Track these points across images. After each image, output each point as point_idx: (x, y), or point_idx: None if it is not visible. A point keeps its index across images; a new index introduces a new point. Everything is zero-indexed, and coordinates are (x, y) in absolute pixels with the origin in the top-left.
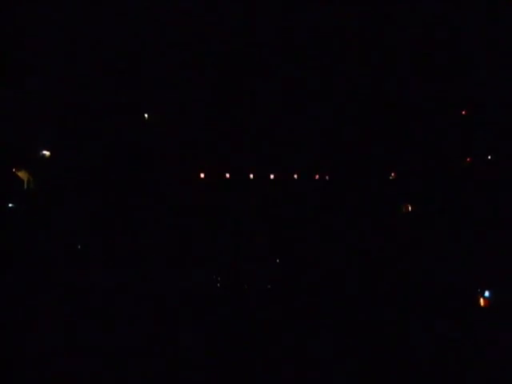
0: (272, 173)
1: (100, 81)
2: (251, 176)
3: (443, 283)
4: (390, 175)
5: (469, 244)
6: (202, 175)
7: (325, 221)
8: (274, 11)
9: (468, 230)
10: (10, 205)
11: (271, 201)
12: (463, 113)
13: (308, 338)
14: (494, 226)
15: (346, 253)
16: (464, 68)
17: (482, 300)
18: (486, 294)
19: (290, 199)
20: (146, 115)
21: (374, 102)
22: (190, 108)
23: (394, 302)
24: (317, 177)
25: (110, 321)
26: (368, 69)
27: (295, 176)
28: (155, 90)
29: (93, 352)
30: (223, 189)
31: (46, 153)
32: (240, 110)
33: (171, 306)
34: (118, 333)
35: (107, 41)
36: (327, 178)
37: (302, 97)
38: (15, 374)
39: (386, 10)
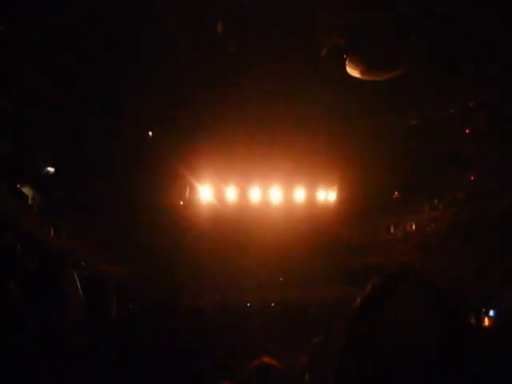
0: (273, 187)
1: (106, 98)
2: (252, 194)
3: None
4: (394, 194)
5: (473, 259)
6: (206, 192)
7: (327, 238)
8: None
9: (472, 244)
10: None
11: (273, 218)
12: (467, 131)
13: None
14: (498, 242)
15: (349, 269)
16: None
17: (486, 319)
18: (491, 313)
19: (292, 216)
20: (150, 133)
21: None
22: (194, 127)
23: None
24: (319, 194)
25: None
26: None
27: (295, 194)
28: (161, 107)
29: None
30: (225, 208)
31: (51, 169)
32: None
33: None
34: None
35: (113, 56)
36: (331, 197)
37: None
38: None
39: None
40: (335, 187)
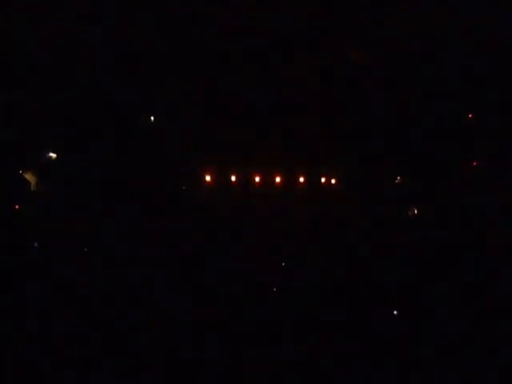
0: (277, 176)
1: (107, 84)
2: (256, 179)
3: (449, 284)
4: (396, 179)
5: (474, 244)
6: (208, 178)
7: (330, 224)
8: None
9: (474, 231)
10: (17, 206)
11: (276, 204)
12: (469, 116)
13: (310, 340)
14: (500, 227)
15: (351, 255)
16: (468, 72)
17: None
18: None
19: (295, 203)
20: (152, 117)
21: (379, 105)
22: (194, 110)
23: (399, 305)
24: (323, 180)
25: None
26: (373, 70)
27: (301, 179)
28: (162, 91)
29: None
30: (227, 191)
31: (53, 155)
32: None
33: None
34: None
35: (116, 42)
36: (333, 181)
37: (306, 99)
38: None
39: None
40: (336, 173)
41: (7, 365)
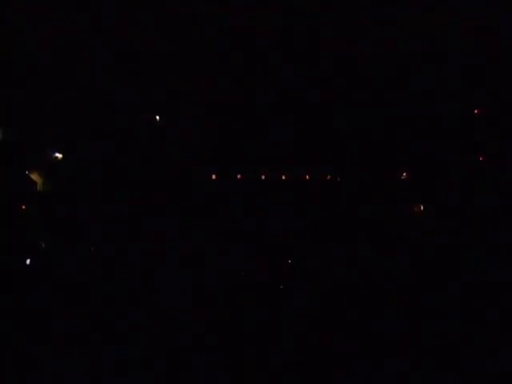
0: (284, 173)
1: (113, 85)
2: (262, 177)
3: (453, 282)
4: (402, 175)
5: (480, 240)
6: (207, 178)
7: (337, 221)
8: (276, 14)
9: (479, 227)
10: (24, 206)
11: (283, 201)
12: (475, 111)
13: (310, 340)
14: (506, 223)
15: (357, 251)
16: (474, 68)
17: None
18: None
19: (302, 199)
20: (157, 117)
21: (385, 101)
22: (194, 110)
23: (403, 300)
24: (328, 177)
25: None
26: (381, 67)
27: (307, 177)
28: (162, 91)
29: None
30: (230, 189)
31: (59, 155)
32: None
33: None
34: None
35: (116, 42)
36: (338, 178)
37: (310, 96)
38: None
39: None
40: (341, 170)
41: (7, 365)
